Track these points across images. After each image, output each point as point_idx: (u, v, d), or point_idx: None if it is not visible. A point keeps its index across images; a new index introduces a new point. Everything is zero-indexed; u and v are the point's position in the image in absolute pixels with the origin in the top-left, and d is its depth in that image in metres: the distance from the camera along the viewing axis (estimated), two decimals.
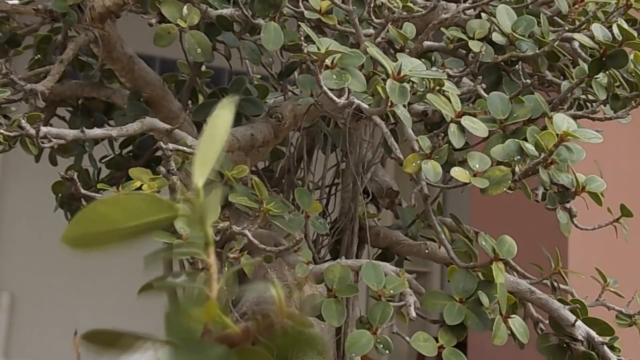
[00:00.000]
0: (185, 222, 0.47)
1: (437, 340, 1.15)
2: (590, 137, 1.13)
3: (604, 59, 1.23)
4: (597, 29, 1.23)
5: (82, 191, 1.21)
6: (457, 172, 1.09)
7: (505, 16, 1.28)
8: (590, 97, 1.32)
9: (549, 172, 1.12)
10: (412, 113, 1.21)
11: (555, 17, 1.36)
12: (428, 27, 1.27)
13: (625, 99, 1.26)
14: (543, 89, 1.35)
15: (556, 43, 1.26)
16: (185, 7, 1.30)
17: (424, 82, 1.16)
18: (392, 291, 1.16)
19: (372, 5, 1.24)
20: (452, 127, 1.12)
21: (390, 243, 1.49)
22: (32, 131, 1.19)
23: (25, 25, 1.58)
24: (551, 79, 1.35)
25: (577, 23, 1.28)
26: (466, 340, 1.34)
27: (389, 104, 1.08)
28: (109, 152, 1.64)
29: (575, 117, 1.19)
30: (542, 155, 1.09)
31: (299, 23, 1.25)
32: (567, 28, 1.26)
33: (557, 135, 1.09)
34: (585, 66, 1.26)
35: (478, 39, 1.29)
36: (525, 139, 1.12)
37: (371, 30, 1.29)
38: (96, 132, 1.23)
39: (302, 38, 1.11)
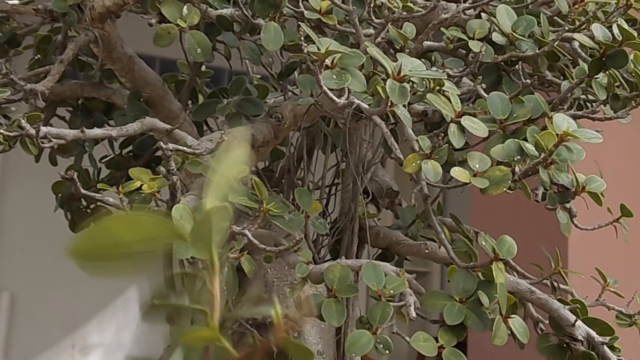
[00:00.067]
0: (190, 244, 0.46)
1: (437, 340, 1.15)
2: (590, 137, 1.13)
3: (604, 59, 1.23)
4: (597, 29, 1.23)
5: (82, 191, 1.21)
6: (457, 172, 1.09)
7: (505, 16, 1.28)
8: (590, 97, 1.32)
9: (549, 172, 1.12)
10: (412, 113, 1.21)
11: (555, 17, 1.36)
12: (428, 27, 1.27)
13: (625, 99, 1.26)
14: (543, 89, 1.35)
15: (556, 43, 1.26)
16: (185, 7, 1.30)
17: (424, 82, 1.16)
18: (392, 291, 1.16)
19: (372, 5, 1.24)
20: (452, 127, 1.12)
21: (390, 243, 1.49)
22: (32, 131, 1.19)
23: (25, 25, 1.58)
24: (551, 79, 1.34)
25: (577, 23, 1.28)
26: (466, 340, 1.34)
27: (389, 104, 1.08)
28: (109, 152, 1.64)
29: (575, 117, 1.19)
30: (542, 155, 1.09)
31: (299, 23, 1.25)
32: (567, 28, 1.26)
33: (557, 135, 1.09)
34: (585, 66, 1.26)
35: (478, 39, 1.29)
36: (525, 139, 1.12)
37: (371, 30, 1.29)
38: (96, 132, 1.23)
39: (302, 38, 1.11)
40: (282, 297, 1.40)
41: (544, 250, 1.38)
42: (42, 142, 1.19)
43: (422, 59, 1.21)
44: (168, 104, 1.48)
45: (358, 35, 1.23)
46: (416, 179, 1.16)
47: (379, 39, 1.26)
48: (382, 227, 1.52)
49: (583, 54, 1.30)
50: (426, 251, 1.42)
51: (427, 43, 1.33)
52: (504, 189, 1.09)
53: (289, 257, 1.27)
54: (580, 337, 1.22)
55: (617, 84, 1.25)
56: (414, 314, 1.14)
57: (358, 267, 1.21)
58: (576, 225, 1.25)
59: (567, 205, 1.21)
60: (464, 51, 1.35)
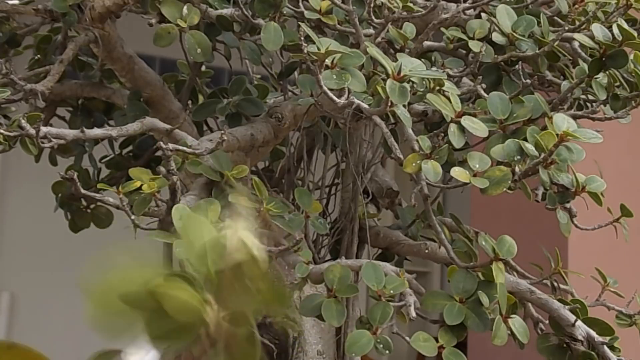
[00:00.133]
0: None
1: (437, 340, 1.15)
2: (590, 137, 1.13)
3: (604, 59, 1.23)
4: (597, 29, 1.23)
5: (82, 191, 1.21)
6: (457, 172, 1.09)
7: (505, 16, 1.28)
8: (590, 97, 1.32)
9: (549, 172, 1.12)
10: (412, 113, 1.21)
11: (555, 17, 1.36)
12: (428, 27, 1.27)
13: (625, 99, 1.26)
14: (543, 89, 1.35)
15: (556, 43, 1.26)
16: (185, 7, 1.30)
17: (424, 82, 1.16)
18: (392, 291, 1.16)
19: (372, 5, 1.24)
20: (452, 127, 1.12)
21: (390, 243, 1.49)
22: (32, 131, 1.18)
23: (25, 25, 1.57)
24: (551, 79, 1.34)
25: (577, 23, 1.28)
26: (466, 340, 1.34)
27: (389, 104, 1.08)
28: (109, 152, 1.64)
29: (575, 117, 1.19)
30: (542, 155, 1.09)
31: (299, 23, 1.25)
32: (567, 28, 1.26)
33: (557, 135, 1.09)
34: (585, 66, 1.26)
35: (478, 39, 1.29)
36: (525, 139, 1.12)
37: (371, 30, 1.28)
38: (96, 132, 1.23)
39: (302, 38, 1.11)
40: None
41: (544, 250, 1.38)
42: (42, 142, 1.19)
43: (422, 59, 1.21)
44: (168, 104, 1.48)
45: (358, 35, 1.23)
46: (416, 179, 1.16)
47: (379, 39, 1.26)
48: (382, 227, 1.52)
49: (583, 54, 1.30)
50: (426, 251, 1.42)
51: (427, 43, 1.33)
52: (504, 189, 1.09)
53: (289, 257, 1.27)
54: (580, 337, 1.22)
55: (617, 84, 1.25)
56: (414, 314, 1.14)
57: (358, 267, 1.21)
58: (576, 225, 1.25)
59: (567, 205, 1.21)
60: (464, 51, 1.35)
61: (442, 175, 1.11)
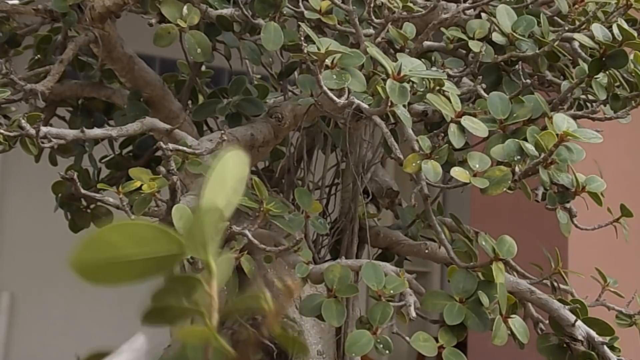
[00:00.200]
0: (188, 250, 0.46)
1: (437, 340, 1.15)
2: (590, 137, 1.13)
3: (604, 59, 1.23)
4: (597, 29, 1.23)
5: (82, 191, 1.21)
6: (457, 172, 1.09)
7: (505, 16, 1.28)
8: (590, 97, 1.32)
9: (549, 172, 1.12)
10: (412, 113, 1.21)
11: (555, 17, 1.36)
12: (428, 27, 1.27)
13: (625, 99, 1.26)
14: (543, 89, 1.35)
15: (556, 43, 1.26)
16: (185, 7, 1.30)
17: (424, 82, 1.16)
18: (392, 291, 1.16)
19: (372, 5, 1.24)
20: (452, 127, 1.12)
21: (390, 243, 1.49)
22: (32, 131, 1.19)
23: (25, 25, 1.58)
24: (551, 79, 1.35)
25: (577, 23, 1.28)
26: (466, 340, 1.34)
27: (389, 104, 1.08)
28: (109, 152, 1.64)
29: (575, 117, 1.19)
30: (542, 155, 1.09)
31: (299, 23, 1.25)
32: (567, 28, 1.26)
33: (557, 135, 1.09)
34: (585, 66, 1.26)
35: (478, 39, 1.29)
36: (525, 139, 1.12)
37: (371, 30, 1.29)
38: (96, 132, 1.23)
39: (302, 38, 1.11)
40: (282, 297, 1.39)
41: (544, 250, 1.38)
42: (42, 142, 1.19)
43: (422, 59, 1.21)
44: (168, 104, 1.48)
45: (358, 35, 1.23)
46: (416, 179, 1.16)
47: (379, 39, 1.26)
48: (382, 227, 1.52)
49: (583, 54, 1.30)
50: (426, 251, 1.42)
51: (427, 43, 1.33)
52: (504, 189, 1.09)
53: (289, 257, 1.27)
54: (580, 337, 1.22)
55: (617, 84, 1.25)
56: (414, 314, 1.14)
57: (358, 267, 1.21)
58: (576, 225, 1.25)
59: (567, 205, 1.21)
60: (464, 51, 1.35)
61: (442, 175, 1.11)
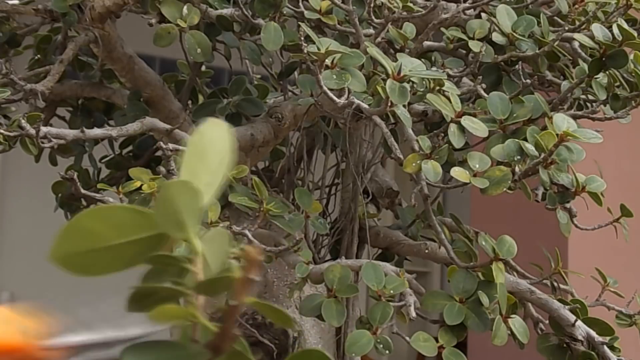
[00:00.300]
0: (163, 229, 0.45)
1: (437, 340, 1.15)
2: (590, 137, 1.13)
3: (604, 59, 1.23)
4: (597, 29, 1.23)
5: (82, 191, 1.21)
6: (457, 172, 1.09)
7: (505, 16, 1.28)
8: (590, 97, 1.32)
9: (549, 172, 1.12)
10: (412, 113, 1.21)
11: (555, 17, 1.36)
12: (428, 27, 1.27)
13: (625, 99, 1.26)
14: (543, 89, 1.35)
15: (556, 43, 1.26)
16: (185, 7, 1.30)
17: (424, 82, 1.16)
18: (392, 291, 1.16)
19: (372, 5, 1.24)
20: (452, 127, 1.12)
21: (390, 243, 1.49)
22: (32, 131, 1.19)
23: (25, 25, 1.57)
24: (551, 79, 1.34)
25: (577, 23, 1.28)
26: (466, 340, 1.34)
27: (389, 104, 1.08)
28: (109, 152, 1.63)
29: (575, 117, 1.19)
30: (542, 155, 1.09)
31: (299, 23, 1.25)
32: (567, 28, 1.26)
33: (557, 135, 1.09)
34: (585, 66, 1.26)
35: (478, 39, 1.29)
36: (525, 139, 1.12)
37: (371, 30, 1.29)
38: (96, 132, 1.23)
39: (302, 38, 1.11)
40: (282, 297, 1.40)
41: (544, 250, 1.38)
42: (42, 142, 1.19)
43: (422, 59, 1.21)
44: (168, 104, 1.48)
45: (358, 35, 1.23)
46: (416, 179, 1.16)
47: (379, 39, 1.26)
48: (382, 227, 1.52)
49: (583, 54, 1.30)
50: (426, 251, 1.42)
51: (427, 43, 1.33)
52: (504, 189, 1.09)
53: (289, 257, 1.27)
54: (580, 337, 1.22)
55: (617, 84, 1.25)
56: (414, 314, 1.15)
57: (358, 267, 1.21)
58: (576, 225, 1.25)
59: (567, 205, 1.21)
60: (464, 51, 1.35)
61: (442, 175, 1.11)
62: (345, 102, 1.12)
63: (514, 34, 1.28)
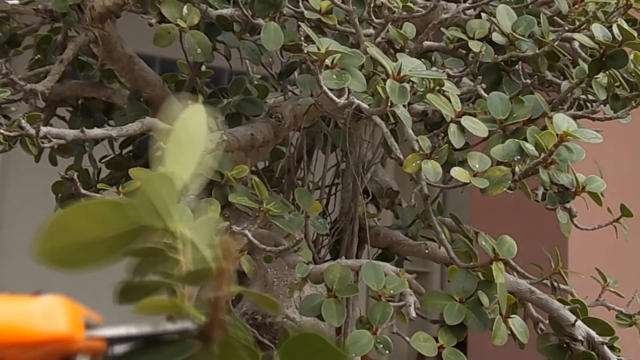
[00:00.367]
0: (145, 221, 0.45)
1: (437, 340, 1.15)
2: (590, 137, 1.13)
3: (604, 59, 1.23)
4: (597, 29, 1.23)
5: (82, 191, 1.21)
6: (457, 172, 1.09)
7: (505, 16, 1.28)
8: (590, 97, 1.32)
9: (549, 172, 1.12)
10: (412, 113, 1.21)
11: (555, 17, 1.36)
12: (428, 27, 1.27)
13: (625, 99, 1.26)
14: (543, 89, 1.35)
15: (556, 43, 1.26)
16: (185, 7, 1.30)
17: (424, 82, 1.16)
18: (392, 291, 1.16)
19: (372, 5, 1.24)
20: (452, 127, 1.12)
21: (390, 243, 1.49)
22: (32, 131, 1.19)
23: (25, 25, 1.57)
24: (551, 79, 1.34)
25: (577, 23, 1.28)
26: (466, 340, 1.34)
27: (389, 104, 1.08)
28: (109, 152, 1.63)
29: (575, 117, 1.19)
30: (542, 155, 1.09)
31: (299, 23, 1.25)
32: (567, 28, 1.26)
33: (557, 135, 1.09)
34: (585, 66, 1.26)
35: (478, 39, 1.29)
36: (525, 139, 1.12)
37: (371, 30, 1.29)
38: (96, 132, 1.23)
39: (302, 38, 1.11)
40: (282, 297, 1.40)
41: (544, 250, 1.38)
42: (42, 142, 1.19)
43: (422, 59, 1.21)
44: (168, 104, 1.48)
45: (358, 35, 1.23)
46: (416, 179, 1.16)
47: (379, 39, 1.26)
48: (382, 227, 1.52)
49: (583, 54, 1.30)
50: (426, 251, 1.42)
51: (427, 43, 1.33)
52: (504, 189, 1.09)
53: (289, 257, 1.27)
54: (580, 337, 1.22)
55: (617, 84, 1.25)
56: (414, 314, 1.15)
57: (358, 267, 1.21)
58: (576, 225, 1.25)
59: (567, 205, 1.21)
60: (464, 51, 1.35)
61: (442, 175, 1.11)
62: (345, 102, 1.12)
63: (514, 34, 1.28)
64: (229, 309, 1.28)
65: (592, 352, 1.21)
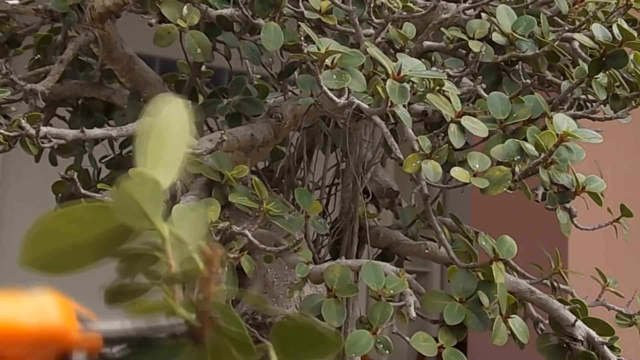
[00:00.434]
0: (128, 220, 0.45)
1: (437, 340, 1.15)
2: (590, 137, 1.13)
3: (604, 59, 1.23)
4: (597, 29, 1.23)
5: (82, 191, 1.21)
6: (457, 172, 1.09)
7: (505, 16, 1.28)
8: (590, 97, 1.32)
9: (549, 172, 1.12)
10: (412, 113, 1.21)
11: (555, 17, 1.36)
12: (428, 27, 1.27)
13: (625, 99, 1.26)
14: (543, 89, 1.35)
15: (556, 43, 1.26)
16: (185, 7, 1.30)
17: (424, 82, 1.16)
18: (392, 291, 1.16)
19: (372, 5, 1.24)
20: (452, 127, 1.12)
21: (390, 243, 1.49)
22: (32, 131, 1.19)
23: (25, 25, 1.57)
24: (551, 79, 1.34)
25: (577, 23, 1.28)
26: (466, 340, 1.34)
27: (389, 104, 1.08)
28: (109, 152, 1.63)
29: (575, 117, 1.19)
30: (542, 155, 1.09)
31: (299, 23, 1.25)
32: (567, 28, 1.26)
33: (557, 135, 1.09)
34: (585, 66, 1.26)
35: (478, 39, 1.29)
36: (525, 139, 1.12)
37: (371, 30, 1.28)
38: (96, 132, 1.23)
39: (302, 38, 1.11)
40: (282, 297, 1.40)
41: (544, 250, 1.38)
42: (42, 142, 1.19)
43: (422, 59, 1.21)
44: None
45: (358, 35, 1.23)
46: (416, 179, 1.16)
47: (379, 39, 1.26)
48: (382, 227, 1.52)
49: (583, 54, 1.30)
50: (426, 251, 1.42)
51: (427, 43, 1.33)
52: (504, 189, 1.09)
53: (289, 257, 1.27)
54: (580, 337, 1.22)
55: (617, 84, 1.25)
56: (414, 314, 1.14)
57: (358, 267, 1.21)
58: (576, 225, 1.25)
59: (567, 205, 1.21)
60: (464, 51, 1.35)
61: (442, 175, 1.11)
62: (345, 102, 1.12)
63: (514, 34, 1.28)
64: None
65: (592, 352, 1.21)
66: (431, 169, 1.10)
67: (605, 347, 1.21)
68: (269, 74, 1.62)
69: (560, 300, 1.27)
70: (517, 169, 1.10)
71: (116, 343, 0.45)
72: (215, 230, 1.17)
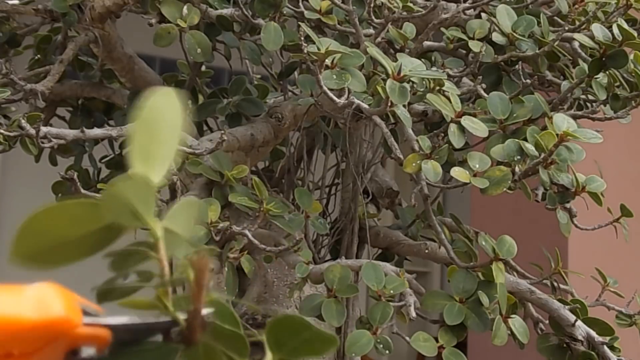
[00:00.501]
0: (118, 217, 0.45)
1: (437, 340, 1.15)
2: (590, 137, 1.13)
3: (604, 59, 1.23)
4: (597, 29, 1.23)
5: (82, 191, 1.21)
6: (457, 172, 1.09)
7: (505, 16, 1.28)
8: (590, 97, 1.32)
9: (549, 172, 1.12)
10: (412, 113, 1.21)
11: (555, 17, 1.36)
12: (428, 27, 1.27)
13: (625, 99, 1.26)
14: (543, 89, 1.35)
15: (556, 43, 1.26)
16: (185, 7, 1.30)
17: (424, 82, 1.16)
18: (392, 291, 1.16)
19: (372, 5, 1.24)
20: (452, 127, 1.12)
21: (390, 243, 1.49)
22: (32, 131, 1.19)
23: (25, 25, 1.58)
24: (551, 79, 1.34)
25: (577, 23, 1.28)
26: (466, 340, 1.34)
27: (389, 104, 1.08)
28: (109, 152, 1.64)
29: (575, 117, 1.19)
30: (542, 155, 1.09)
31: (299, 23, 1.25)
32: (567, 28, 1.26)
33: (557, 135, 1.09)
34: (585, 66, 1.26)
35: (478, 39, 1.29)
36: (525, 139, 1.12)
37: (371, 30, 1.28)
38: (96, 132, 1.23)
39: (302, 38, 1.11)
40: (282, 297, 1.40)
41: (544, 250, 1.38)
42: (42, 142, 1.19)
43: (422, 59, 1.21)
44: None
45: (358, 35, 1.23)
46: (416, 179, 1.16)
47: (379, 39, 1.26)
48: (382, 227, 1.52)
49: (583, 54, 1.30)
50: (426, 251, 1.42)
51: (427, 43, 1.33)
52: (504, 189, 1.09)
53: (289, 257, 1.27)
54: (580, 337, 1.22)
55: (617, 84, 1.25)
56: (414, 314, 1.14)
57: (358, 267, 1.21)
58: (576, 225, 1.25)
59: (567, 205, 1.21)
60: (464, 51, 1.35)
61: (442, 175, 1.11)
62: (345, 102, 1.12)
63: (514, 34, 1.28)
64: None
65: (592, 352, 1.21)
66: (431, 169, 1.10)
67: (605, 347, 1.21)
68: (269, 74, 1.62)
69: (560, 300, 1.27)
70: (517, 169, 1.10)
71: (125, 337, 0.45)
72: (215, 230, 1.17)
